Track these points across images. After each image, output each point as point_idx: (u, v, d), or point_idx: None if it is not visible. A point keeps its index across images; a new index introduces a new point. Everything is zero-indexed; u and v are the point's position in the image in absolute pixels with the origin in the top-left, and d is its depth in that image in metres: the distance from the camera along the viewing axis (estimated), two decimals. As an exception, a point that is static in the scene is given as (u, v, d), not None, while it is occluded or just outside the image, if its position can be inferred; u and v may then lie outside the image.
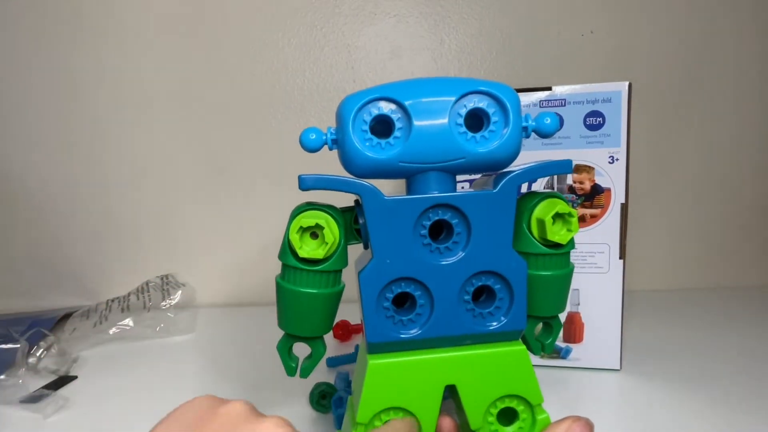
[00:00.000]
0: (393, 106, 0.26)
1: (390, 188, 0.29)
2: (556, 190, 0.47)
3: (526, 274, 0.27)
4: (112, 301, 0.66)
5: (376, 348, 0.27)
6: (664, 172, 0.73)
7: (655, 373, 0.48)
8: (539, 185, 0.47)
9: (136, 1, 0.68)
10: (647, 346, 0.54)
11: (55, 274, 0.74)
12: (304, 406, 0.44)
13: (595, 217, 0.47)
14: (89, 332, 0.59)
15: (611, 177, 0.46)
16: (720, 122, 0.72)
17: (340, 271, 0.29)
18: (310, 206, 0.28)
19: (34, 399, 0.45)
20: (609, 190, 0.46)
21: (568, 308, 0.48)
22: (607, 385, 0.46)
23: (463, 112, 0.26)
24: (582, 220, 0.47)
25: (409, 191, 0.28)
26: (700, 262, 0.76)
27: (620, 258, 0.47)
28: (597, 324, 0.48)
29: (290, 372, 0.31)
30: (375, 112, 0.26)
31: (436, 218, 0.27)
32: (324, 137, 0.27)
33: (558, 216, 0.29)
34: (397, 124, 0.26)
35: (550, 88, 0.46)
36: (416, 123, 0.26)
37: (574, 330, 0.49)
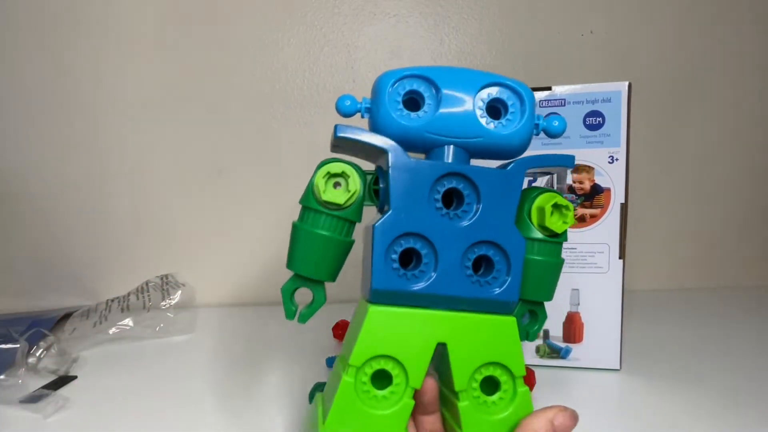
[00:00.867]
0: (426, 84, 0.29)
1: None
2: (556, 189, 0.47)
3: (524, 250, 0.30)
4: (112, 301, 0.66)
5: (379, 296, 0.29)
6: (664, 172, 0.73)
7: (654, 373, 0.48)
8: (540, 184, 0.47)
9: (135, 1, 0.68)
10: (647, 346, 0.54)
11: (55, 274, 0.74)
12: (304, 404, 0.44)
13: (594, 217, 0.47)
14: (89, 332, 0.59)
15: (611, 177, 0.46)
16: (719, 122, 0.72)
17: (354, 224, 0.32)
18: (337, 159, 0.31)
19: (33, 399, 0.45)
20: (609, 190, 0.46)
21: (568, 308, 0.49)
22: (606, 385, 0.46)
23: (486, 98, 0.30)
24: (582, 220, 0.47)
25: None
26: (700, 262, 0.76)
27: (620, 258, 0.47)
28: (597, 324, 0.48)
29: (290, 315, 0.32)
30: (409, 87, 0.29)
31: (450, 186, 0.29)
32: (359, 105, 0.30)
33: (556, 207, 0.31)
34: (428, 101, 0.29)
35: (550, 88, 0.46)
36: (445, 101, 0.29)
37: (573, 330, 0.49)
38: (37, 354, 0.52)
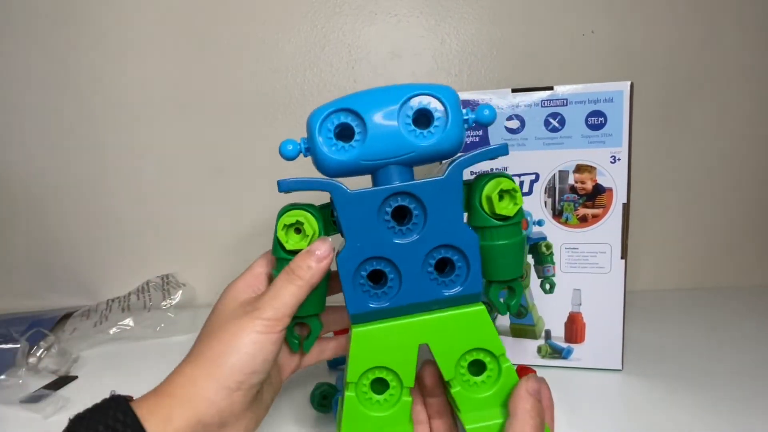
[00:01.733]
0: (352, 115, 0.31)
1: (361, 182, 0.32)
2: (557, 190, 0.47)
3: (478, 245, 0.32)
4: (113, 301, 0.66)
5: (358, 318, 0.32)
6: (666, 172, 0.73)
7: (656, 374, 0.48)
8: (541, 183, 0.47)
9: (135, 1, 0.68)
10: (649, 346, 0.54)
11: (55, 274, 0.73)
12: (306, 406, 0.44)
13: (596, 217, 0.47)
14: (89, 332, 0.59)
15: (613, 177, 0.46)
16: (722, 122, 0.72)
17: None
18: (292, 206, 0.33)
19: (34, 399, 0.44)
20: (611, 190, 0.46)
21: (569, 308, 0.48)
22: (608, 386, 0.46)
23: (410, 113, 0.31)
24: (584, 220, 0.47)
25: (374, 184, 0.32)
26: (702, 262, 0.76)
27: (622, 258, 0.47)
28: (598, 324, 0.48)
29: (294, 348, 0.36)
30: (336, 121, 0.31)
31: (396, 204, 0.31)
32: (299, 146, 0.32)
33: (504, 192, 0.32)
34: (357, 129, 0.31)
35: (551, 88, 0.46)
36: (371, 127, 0.31)
37: (575, 330, 0.49)
38: (38, 354, 0.52)
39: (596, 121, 0.45)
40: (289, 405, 0.44)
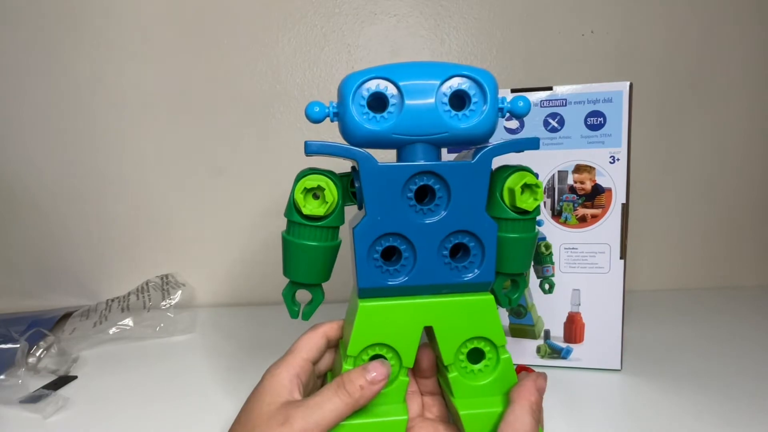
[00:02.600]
0: (388, 85, 0.30)
1: (382, 157, 0.31)
2: (556, 190, 0.47)
3: (496, 235, 0.32)
4: (112, 301, 0.66)
5: (366, 293, 0.32)
6: (665, 172, 0.73)
7: (655, 374, 0.48)
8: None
9: (134, 1, 0.68)
10: (648, 346, 0.54)
11: (55, 274, 0.73)
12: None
13: (596, 218, 0.47)
14: (89, 332, 0.59)
15: (612, 177, 0.46)
16: (721, 122, 0.72)
17: (338, 227, 0.33)
18: (313, 170, 0.32)
19: (34, 399, 0.44)
20: (610, 190, 0.46)
21: (568, 308, 0.48)
22: (608, 386, 0.46)
23: (448, 92, 0.30)
24: (583, 220, 0.47)
25: (399, 160, 0.32)
26: (701, 262, 0.76)
27: (621, 258, 0.47)
28: (598, 324, 0.48)
29: (293, 315, 0.35)
30: (372, 89, 0.30)
31: (422, 183, 0.31)
32: (327, 110, 0.31)
33: (526, 186, 0.32)
34: (391, 101, 0.30)
35: (551, 88, 0.46)
36: (408, 101, 0.30)
37: (574, 330, 0.49)
38: (37, 354, 0.52)
39: (595, 121, 0.45)
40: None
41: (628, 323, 0.56)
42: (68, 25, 0.68)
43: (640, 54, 0.70)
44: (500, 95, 0.46)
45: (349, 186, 0.34)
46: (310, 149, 0.30)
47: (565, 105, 0.46)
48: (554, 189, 0.47)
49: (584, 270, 0.47)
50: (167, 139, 0.71)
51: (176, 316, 0.63)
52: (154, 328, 0.61)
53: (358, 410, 0.30)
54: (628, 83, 0.45)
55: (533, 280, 0.49)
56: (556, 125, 0.46)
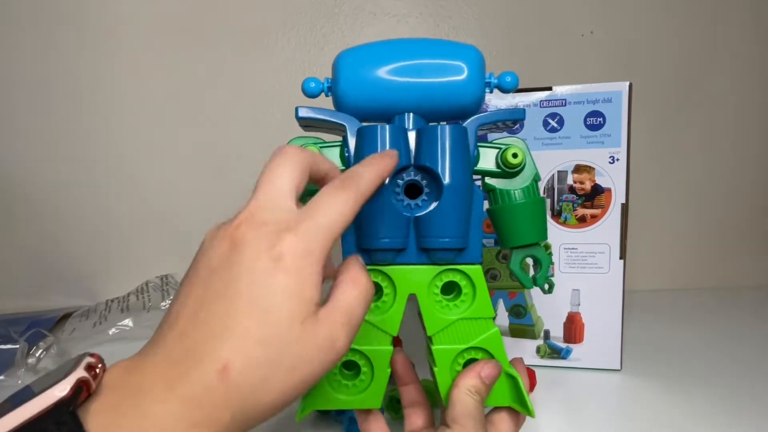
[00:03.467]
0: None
1: None
2: (556, 190, 0.47)
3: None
4: (112, 301, 0.66)
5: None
6: (665, 172, 0.73)
7: (655, 373, 0.48)
8: (539, 184, 0.47)
9: (135, 1, 0.68)
10: (648, 346, 0.54)
11: (55, 274, 0.73)
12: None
13: (595, 218, 0.47)
14: (89, 332, 0.59)
15: (612, 177, 0.46)
16: (720, 122, 0.72)
17: None
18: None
19: (33, 399, 0.44)
20: (609, 190, 0.46)
21: (568, 308, 0.48)
22: (607, 386, 0.46)
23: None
24: (582, 220, 0.47)
25: None
26: (701, 262, 0.76)
27: (620, 258, 0.47)
28: (597, 324, 0.48)
29: None
30: None
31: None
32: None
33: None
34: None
35: (550, 88, 0.46)
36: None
37: (574, 330, 0.49)
38: (37, 354, 0.52)
39: (595, 121, 0.45)
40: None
41: (628, 323, 0.56)
42: (68, 25, 0.68)
43: (640, 54, 0.70)
44: (497, 96, 0.47)
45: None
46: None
47: (565, 105, 0.46)
48: (554, 189, 0.47)
49: (584, 270, 0.47)
50: (167, 139, 0.71)
51: (176, 317, 0.62)
52: (154, 328, 0.61)
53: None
54: (627, 83, 0.45)
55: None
56: (555, 125, 0.46)
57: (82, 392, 0.19)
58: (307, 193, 0.26)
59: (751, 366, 0.49)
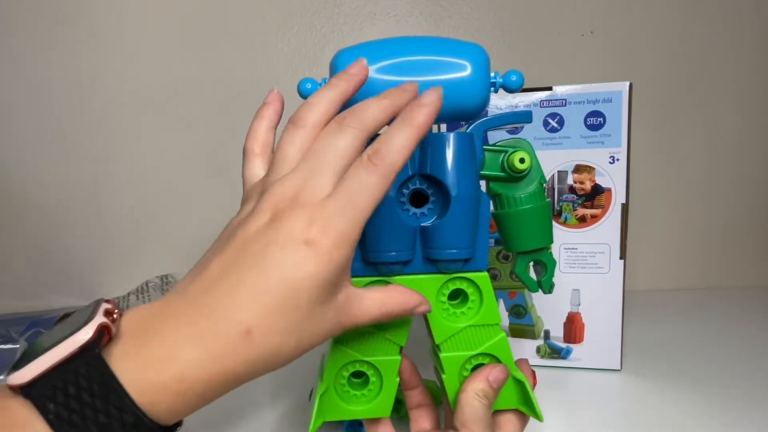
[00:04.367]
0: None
1: None
2: (556, 190, 0.47)
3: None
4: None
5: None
6: (665, 172, 0.73)
7: (655, 373, 0.48)
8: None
9: (135, 1, 0.68)
10: (648, 346, 0.54)
11: (55, 274, 0.73)
12: (303, 402, 0.44)
13: (595, 218, 0.47)
14: (89, 332, 0.58)
15: (612, 177, 0.46)
16: (721, 122, 0.72)
17: None
18: None
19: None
20: (609, 190, 0.46)
21: (568, 308, 0.48)
22: (607, 386, 0.46)
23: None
24: (582, 220, 0.47)
25: None
26: (701, 262, 0.76)
27: (621, 258, 0.47)
28: (597, 324, 0.48)
29: None
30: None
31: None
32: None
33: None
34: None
35: (550, 88, 0.46)
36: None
37: (574, 330, 0.49)
38: (37, 354, 0.52)
39: (595, 121, 0.45)
40: (287, 403, 0.44)
41: (628, 323, 0.56)
42: (69, 24, 0.68)
43: (640, 54, 0.70)
44: (497, 96, 0.47)
45: None
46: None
47: (565, 105, 0.46)
48: (554, 189, 0.47)
49: (584, 270, 0.47)
50: (167, 140, 0.71)
51: (176, 317, 0.62)
52: (154, 328, 0.61)
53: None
54: (627, 83, 0.45)
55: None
56: (555, 125, 0.46)
57: (104, 337, 0.20)
58: None
59: (752, 366, 0.49)
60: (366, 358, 0.30)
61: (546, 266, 0.33)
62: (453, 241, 0.29)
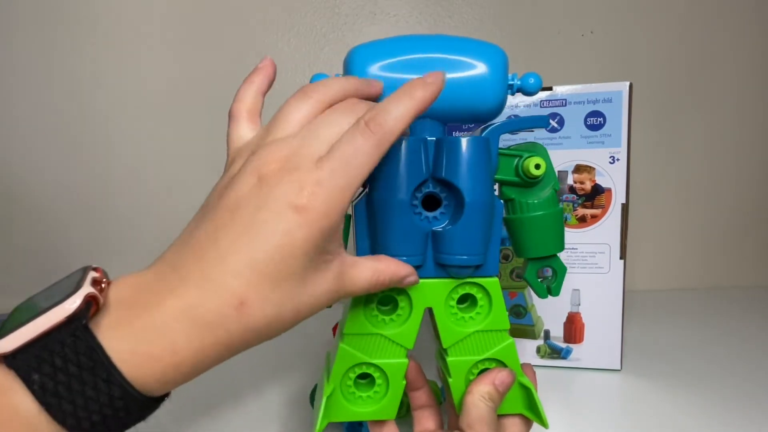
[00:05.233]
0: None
1: None
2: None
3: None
4: (112, 301, 0.65)
5: None
6: (665, 172, 0.73)
7: (655, 373, 0.48)
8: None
9: (136, 1, 0.68)
10: (648, 346, 0.54)
11: (55, 274, 0.73)
12: (304, 403, 0.44)
13: (595, 218, 0.47)
14: (89, 332, 0.58)
15: (612, 177, 0.46)
16: (720, 122, 0.72)
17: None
18: None
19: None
20: (609, 190, 0.46)
21: (568, 308, 0.48)
22: (607, 385, 0.46)
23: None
24: (583, 220, 0.47)
25: None
26: (701, 262, 0.76)
27: (621, 258, 0.47)
28: (597, 324, 0.48)
29: None
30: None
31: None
32: None
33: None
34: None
35: (550, 88, 0.46)
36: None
37: (574, 330, 0.49)
38: (37, 354, 0.52)
39: (595, 121, 0.45)
40: (288, 404, 0.44)
41: (628, 323, 0.56)
42: (69, 24, 0.68)
43: (640, 54, 0.70)
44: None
45: None
46: None
47: (565, 105, 0.46)
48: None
49: (584, 270, 0.47)
50: (167, 140, 0.71)
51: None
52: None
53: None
54: (627, 83, 0.45)
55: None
56: (555, 125, 0.46)
57: (92, 307, 0.19)
58: None
59: (752, 366, 0.49)
60: (373, 361, 0.30)
61: (557, 273, 0.33)
62: (465, 247, 0.29)
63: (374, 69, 0.29)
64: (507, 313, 0.31)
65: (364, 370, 0.31)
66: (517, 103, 0.46)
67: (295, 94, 0.26)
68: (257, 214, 0.21)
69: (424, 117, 0.30)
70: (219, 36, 0.69)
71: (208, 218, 0.22)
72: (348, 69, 0.30)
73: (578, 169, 0.46)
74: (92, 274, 0.21)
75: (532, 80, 0.30)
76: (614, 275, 0.47)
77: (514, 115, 0.47)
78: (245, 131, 0.28)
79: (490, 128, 0.30)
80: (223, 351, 0.21)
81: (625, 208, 0.46)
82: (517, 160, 0.31)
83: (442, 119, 0.30)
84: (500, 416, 0.31)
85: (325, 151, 0.22)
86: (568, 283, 0.48)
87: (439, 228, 0.29)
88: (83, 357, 0.18)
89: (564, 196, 0.47)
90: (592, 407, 0.43)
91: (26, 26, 0.68)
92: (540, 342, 0.50)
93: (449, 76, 0.29)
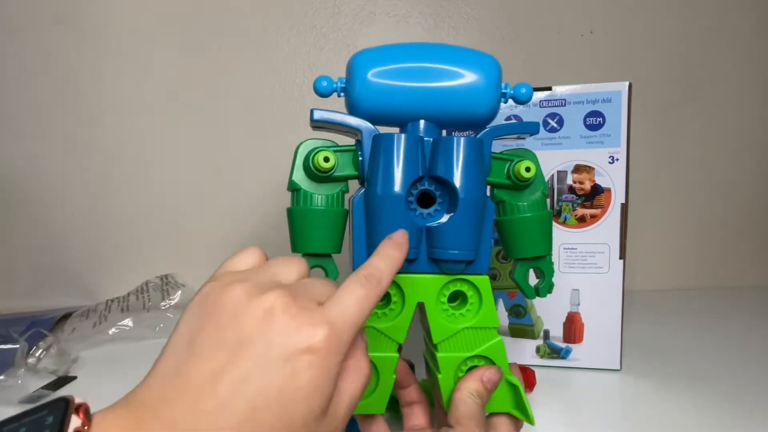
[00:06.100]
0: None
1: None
2: (556, 190, 0.47)
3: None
4: (112, 301, 0.65)
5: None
6: (664, 172, 0.73)
7: (655, 373, 0.48)
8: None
9: (135, 1, 0.68)
10: (647, 346, 0.54)
11: (55, 274, 0.73)
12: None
13: (595, 218, 0.47)
14: (89, 332, 0.58)
15: (611, 177, 0.46)
16: (720, 122, 0.72)
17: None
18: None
19: (33, 399, 0.44)
20: (609, 190, 0.46)
21: (568, 308, 0.48)
22: (607, 385, 0.46)
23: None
24: (582, 220, 0.47)
25: None
26: (700, 262, 0.76)
27: (620, 258, 0.47)
28: (597, 324, 0.48)
29: None
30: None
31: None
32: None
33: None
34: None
35: (550, 88, 0.46)
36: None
37: (574, 330, 0.49)
38: (37, 354, 0.52)
39: (595, 121, 0.45)
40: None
41: (628, 323, 0.56)
42: (70, 24, 0.68)
43: (639, 54, 0.70)
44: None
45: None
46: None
47: (565, 105, 0.46)
48: (553, 189, 0.47)
49: (583, 270, 0.47)
50: (167, 140, 0.71)
51: (176, 317, 0.62)
52: (154, 328, 0.61)
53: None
54: (627, 83, 0.45)
55: (532, 280, 0.49)
56: (555, 125, 0.46)
57: None
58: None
59: (751, 365, 0.49)
60: None
61: (545, 273, 0.35)
62: (457, 242, 0.30)
63: (373, 75, 0.30)
64: (496, 310, 0.32)
65: None
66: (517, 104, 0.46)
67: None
68: (267, 354, 0.20)
69: (419, 119, 0.31)
70: (219, 36, 0.69)
71: (206, 348, 0.21)
72: (350, 74, 0.31)
73: (578, 169, 0.46)
74: (74, 423, 0.18)
75: (523, 90, 0.32)
76: (614, 275, 0.47)
77: (514, 116, 0.47)
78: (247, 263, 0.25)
79: (484, 132, 0.31)
80: None
81: (624, 208, 0.46)
82: (508, 163, 0.33)
83: (439, 123, 0.32)
84: (489, 415, 0.32)
85: (329, 294, 0.23)
86: (568, 282, 0.48)
87: (433, 224, 0.30)
88: None
89: (563, 196, 0.47)
90: (592, 407, 0.43)
91: (27, 26, 0.68)
92: (539, 342, 0.50)
93: (448, 83, 0.31)
